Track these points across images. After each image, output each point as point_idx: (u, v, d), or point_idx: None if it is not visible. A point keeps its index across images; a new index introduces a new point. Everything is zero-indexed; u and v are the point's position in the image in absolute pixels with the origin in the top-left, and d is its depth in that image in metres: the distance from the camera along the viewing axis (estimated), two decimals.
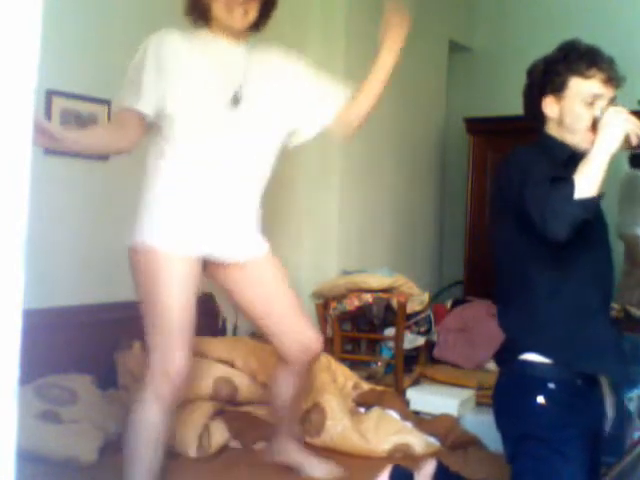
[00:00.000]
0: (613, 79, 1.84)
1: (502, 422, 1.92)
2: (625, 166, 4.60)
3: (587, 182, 1.66)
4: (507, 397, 1.91)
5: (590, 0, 4.99)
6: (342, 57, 4.26)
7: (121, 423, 2.66)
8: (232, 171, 2.07)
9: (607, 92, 1.83)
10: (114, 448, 2.56)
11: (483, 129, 4.98)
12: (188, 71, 2.02)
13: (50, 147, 1.79)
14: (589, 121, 1.82)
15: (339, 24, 4.27)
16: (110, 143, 2.06)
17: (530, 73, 1.96)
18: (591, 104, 1.82)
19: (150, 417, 2.03)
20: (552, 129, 1.91)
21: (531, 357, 1.83)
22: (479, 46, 5.52)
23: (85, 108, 3.02)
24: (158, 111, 2.00)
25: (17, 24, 0.74)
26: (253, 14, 2.06)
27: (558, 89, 1.86)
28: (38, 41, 0.76)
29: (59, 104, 2.91)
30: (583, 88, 1.83)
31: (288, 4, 4.15)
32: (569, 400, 1.82)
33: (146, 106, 1.99)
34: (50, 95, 2.86)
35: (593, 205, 1.67)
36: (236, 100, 2.02)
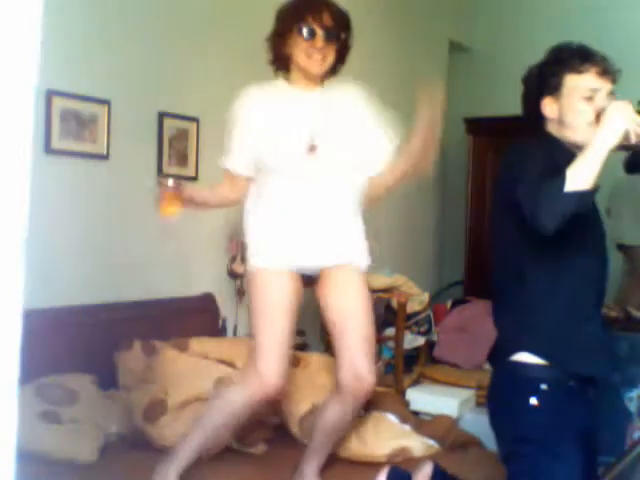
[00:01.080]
0: (608, 72, 1.84)
1: (496, 423, 1.92)
2: (619, 172, 4.60)
3: (581, 174, 1.63)
4: (500, 398, 1.91)
5: (590, 0, 5.00)
6: None
7: (121, 423, 2.67)
8: (317, 206, 2.27)
9: (604, 85, 1.83)
10: (114, 448, 2.57)
11: (483, 129, 4.98)
12: (269, 125, 2.24)
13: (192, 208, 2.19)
14: (591, 115, 1.81)
15: None
16: (228, 199, 2.44)
17: (526, 79, 1.97)
18: (590, 98, 1.82)
19: (234, 397, 2.30)
20: (553, 129, 1.91)
21: (524, 358, 1.83)
22: (479, 46, 5.52)
23: (85, 108, 3.01)
24: (252, 166, 2.28)
25: (17, 24, 0.74)
26: (330, 59, 2.26)
27: (555, 89, 1.86)
28: (38, 41, 0.76)
29: (59, 104, 2.90)
30: (579, 83, 1.83)
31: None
32: (562, 401, 1.81)
33: (241, 167, 2.30)
34: (50, 95, 2.86)
35: (585, 198, 1.63)
36: (313, 148, 2.22)
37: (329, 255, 2.30)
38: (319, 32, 2.20)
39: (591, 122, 1.81)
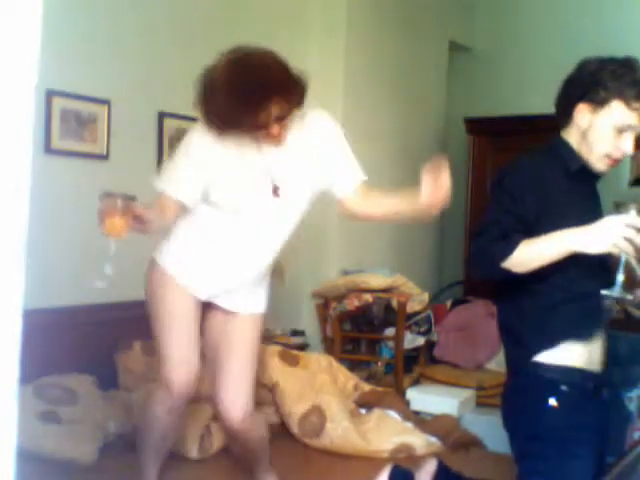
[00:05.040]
0: None
1: (512, 422, 1.92)
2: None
3: (525, 260, 1.68)
4: (518, 398, 1.91)
5: (590, 1, 5.00)
6: (342, 56, 4.25)
7: (121, 423, 2.66)
8: (262, 243, 2.20)
9: (639, 128, 1.80)
10: (114, 448, 2.57)
11: (483, 129, 4.98)
12: (228, 162, 2.10)
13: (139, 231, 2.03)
14: (612, 147, 1.79)
15: (339, 24, 4.26)
16: (159, 223, 2.20)
17: (580, 68, 1.85)
18: (620, 132, 1.78)
19: (157, 414, 2.25)
20: (572, 135, 1.86)
21: (543, 359, 1.83)
22: (479, 46, 5.52)
23: (85, 108, 3.02)
24: (197, 199, 2.14)
25: (17, 24, 0.74)
26: (286, 129, 2.06)
27: (598, 102, 1.79)
28: (38, 41, 0.76)
29: (59, 104, 2.91)
30: (622, 116, 1.77)
31: (288, 5, 4.17)
32: (580, 402, 1.82)
33: (184, 195, 2.12)
34: (50, 95, 2.86)
35: (513, 276, 1.70)
36: (276, 190, 2.12)
37: (239, 304, 2.26)
38: (274, 124, 2.00)
39: (608, 154, 1.80)
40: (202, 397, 2.79)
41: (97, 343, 2.87)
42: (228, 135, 2.07)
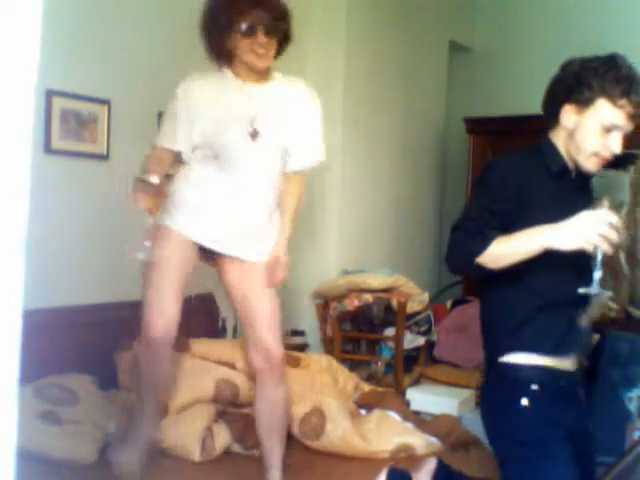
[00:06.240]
0: (638, 116, 1.77)
1: (489, 427, 1.91)
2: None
3: (499, 256, 1.68)
4: (491, 401, 1.90)
5: (590, 0, 4.99)
6: (342, 56, 4.25)
7: (121, 423, 2.66)
8: (248, 188, 2.34)
9: (627, 126, 1.78)
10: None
11: (483, 129, 4.98)
12: (212, 110, 2.29)
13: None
14: (600, 146, 1.77)
15: (339, 24, 4.26)
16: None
17: (563, 69, 1.85)
18: (607, 131, 1.76)
19: (144, 362, 2.39)
20: (558, 136, 1.85)
21: (513, 359, 1.83)
22: (479, 46, 5.52)
23: (85, 108, 3.02)
24: (190, 146, 2.34)
25: (17, 24, 0.74)
26: (273, 54, 2.28)
27: (583, 102, 1.78)
28: (38, 41, 0.76)
29: (59, 104, 2.91)
30: (608, 114, 1.76)
31: (288, 5, 4.16)
32: (553, 401, 1.81)
33: (181, 145, 2.33)
34: (50, 95, 2.86)
35: (488, 272, 1.70)
36: (255, 134, 2.28)
37: (240, 248, 2.37)
38: (260, 28, 2.21)
39: (596, 152, 1.79)
40: (202, 397, 2.80)
41: (97, 343, 2.87)
42: (222, 64, 2.31)
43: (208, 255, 2.41)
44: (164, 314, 2.30)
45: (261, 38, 2.21)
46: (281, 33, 2.29)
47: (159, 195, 2.10)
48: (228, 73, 2.32)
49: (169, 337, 2.33)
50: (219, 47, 2.27)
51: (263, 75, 2.33)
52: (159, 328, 2.29)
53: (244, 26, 2.20)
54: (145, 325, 2.31)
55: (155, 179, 2.08)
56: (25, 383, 2.38)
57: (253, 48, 2.22)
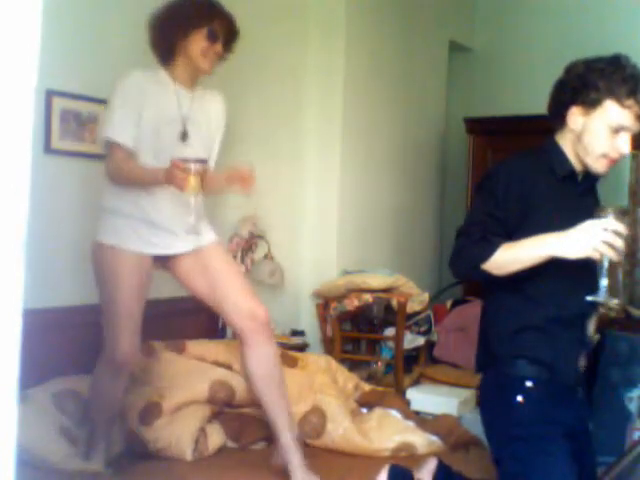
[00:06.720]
0: None
1: (486, 425, 1.92)
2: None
3: (505, 263, 1.68)
4: (488, 399, 1.91)
5: (591, 0, 4.99)
6: (342, 56, 4.25)
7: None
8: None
9: (634, 126, 1.78)
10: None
11: (483, 129, 4.98)
12: (150, 107, 2.37)
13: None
14: (609, 148, 1.77)
15: (339, 24, 4.26)
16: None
17: (568, 71, 1.84)
18: (615, 132, 1.76)
19: (100, 377, 2.47)
20: (565, 139, 1.85)
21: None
22: (479, 46, 5.52)
23: (85, 108, 3.01)
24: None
25: (17, 24, 0.74)
26: (219, 62, 2.45)
27: (590, 104, 1.77)
28: (38, 41, 0.76)
29: (59, 104, 2.90)
30: (615, 115, 1.75)
31: (288, 4, 4.16)
32: (548, 397, 1.81)
33: (129, 141, 2.36)
34: (50, 95, 2.86)
35: (491, 278, 1.71)
36: (184, 136, 2.42)
37: (189, 241, 2.44)
38: (221, 38, 2.39)
39: (605, 154, 1.78)
40: (197, 398, 2.79)
41: (97, 343, 2.87)
42: (163, 61, 2.41)
43: (157, 260, 2.47)
44: (129, 335, 2.36)
45: (218, 47, 2.38)
46: (229, 53, 2.47)
47: (198, 175, 2.15)
48: (161, 73, 2.43)
49: (133, 356, 2.41)
50: (172, 42, 2.37)
51: (194, 82, 2.46)
52: (125, 351, 2.36)
53: (210, 30, 2.35)
54: (110, 348, 2.38)
55: (196, 165, 2.15)
56: (32, 385, 2.36)
57: (208, 53, 2.36)
